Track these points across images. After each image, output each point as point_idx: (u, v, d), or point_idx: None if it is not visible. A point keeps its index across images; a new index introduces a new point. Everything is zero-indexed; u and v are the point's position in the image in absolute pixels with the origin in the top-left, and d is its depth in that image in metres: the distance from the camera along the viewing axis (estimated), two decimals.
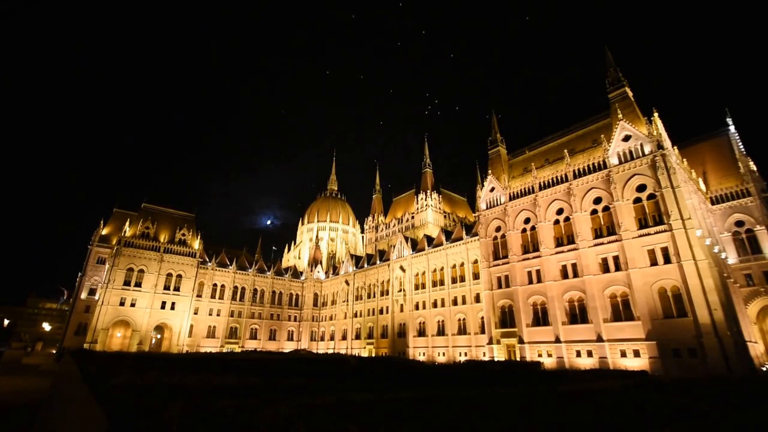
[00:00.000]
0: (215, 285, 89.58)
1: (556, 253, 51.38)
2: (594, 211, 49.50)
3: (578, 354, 45.98)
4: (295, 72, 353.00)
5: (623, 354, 42.47)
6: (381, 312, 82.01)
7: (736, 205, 54.85)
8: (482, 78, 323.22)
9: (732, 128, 59.28)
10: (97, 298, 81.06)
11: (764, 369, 42.98)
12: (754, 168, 55.68)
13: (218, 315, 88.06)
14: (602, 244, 47.20)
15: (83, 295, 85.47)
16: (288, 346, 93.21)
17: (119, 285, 76.50)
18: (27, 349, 77.78)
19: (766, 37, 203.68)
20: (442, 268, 71.25)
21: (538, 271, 52.81)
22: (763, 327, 52.22)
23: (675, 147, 52.58)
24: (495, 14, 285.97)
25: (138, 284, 78.79)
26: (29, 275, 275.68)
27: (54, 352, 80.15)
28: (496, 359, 52.77)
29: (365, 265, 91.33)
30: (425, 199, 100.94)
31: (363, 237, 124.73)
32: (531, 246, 55.14)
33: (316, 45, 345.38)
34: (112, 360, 30.84)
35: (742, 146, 57.74)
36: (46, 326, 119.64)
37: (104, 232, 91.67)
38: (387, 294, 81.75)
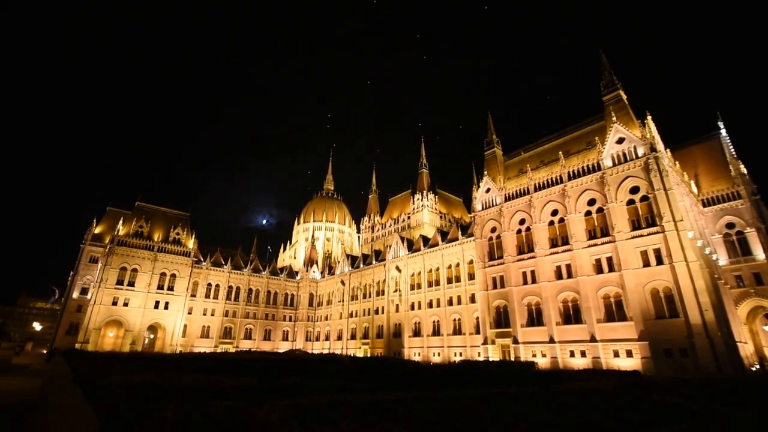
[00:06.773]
0: (210, 284, 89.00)
1: (551, 254, 51.72)
2: (588, 213, 49.88)
3: (572, 354, 46.30)
4: (293, 71, 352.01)
5: (616, 354, 42.84)
6: (377, 312, 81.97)
7: (727, 208, 55.55)
8: (479, 79, 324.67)
9: (723, 132, 60.03)
10: (89, 297, 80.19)
11: (753, 369, 43.54)
12: (745, 171, 56.43)
13: (212, 315, 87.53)
14: (596, 245, 47.57)
15: (75, 295, 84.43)
16: (283, 346, 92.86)
17: (112, 284, 75.72)
18: (16, 350, 76.50)
19: (757, 42, 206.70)
20: (437, 269, 71.38)
21: (532, 272, 53.10)
22: (752, 327, 52.95)
23: (667, 150, 53.15)
24: (492, 16, 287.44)
25: (131, 284, 78.04)
26: (20, 274, 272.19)
27: (44, 352, 79.12)
28: (491, 359, 52.97)
29: (361, 265, 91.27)
30: (421, 200, 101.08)
31: (359, 237, 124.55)
32: (526, 247, 55.43)
33: (314, 45, 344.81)
34: (103, 360, 30.55)
35: (733, 149, 58.47)
36: (37, 326, 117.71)
37: (97, 230, 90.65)
38: (383, 294, 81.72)
